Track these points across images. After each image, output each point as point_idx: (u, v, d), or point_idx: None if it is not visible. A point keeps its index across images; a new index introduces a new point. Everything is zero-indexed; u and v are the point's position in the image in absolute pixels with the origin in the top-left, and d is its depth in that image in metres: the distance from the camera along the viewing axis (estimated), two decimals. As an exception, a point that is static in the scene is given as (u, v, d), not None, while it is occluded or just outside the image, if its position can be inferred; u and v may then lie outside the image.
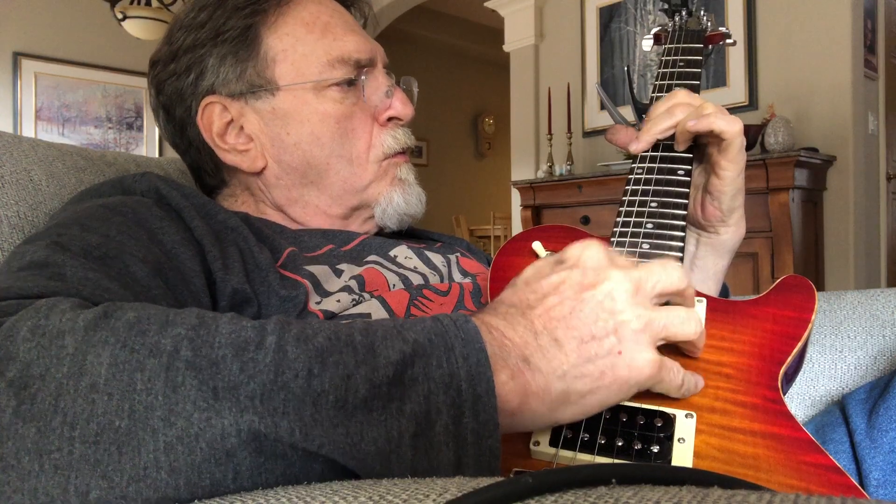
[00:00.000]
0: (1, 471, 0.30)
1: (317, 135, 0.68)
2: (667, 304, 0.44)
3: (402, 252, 0.69)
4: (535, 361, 0.38)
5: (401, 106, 0.72)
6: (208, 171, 0.74)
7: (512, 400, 0.37)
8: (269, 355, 0.33)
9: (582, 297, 0.40)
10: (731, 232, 0.64)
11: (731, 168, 0.59)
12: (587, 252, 0.43)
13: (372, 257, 0.66)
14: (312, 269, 0.60)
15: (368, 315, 0.56)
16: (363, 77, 0.70)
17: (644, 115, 0.67)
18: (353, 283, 0.59)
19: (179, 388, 0.31)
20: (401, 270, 0.65)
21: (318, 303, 0.56)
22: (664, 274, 0.42)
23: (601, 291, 0.40)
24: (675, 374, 0.42)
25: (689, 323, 0.42)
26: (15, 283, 0.41)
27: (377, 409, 0.33)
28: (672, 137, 0.61)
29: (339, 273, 0.61)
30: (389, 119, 0.72)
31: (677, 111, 0.59)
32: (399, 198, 0.72)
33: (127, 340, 0.33)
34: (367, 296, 0.59)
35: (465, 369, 0.35)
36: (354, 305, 0.57)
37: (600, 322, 0.39)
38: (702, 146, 0.62)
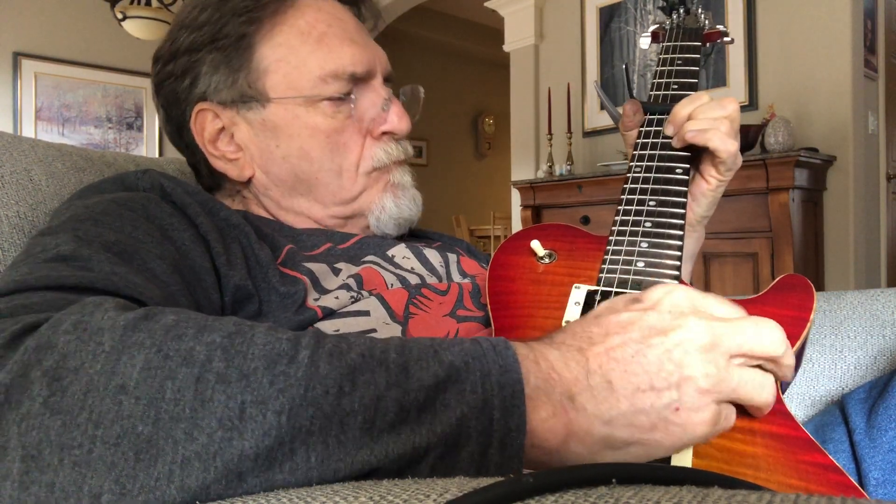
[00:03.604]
0: (20, 460, 0.30)
1: (306, 150, 0.67)
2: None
3: (400, 252, 0.69)
4: (582, 401, 0.36)
5: (396, 120, 0.71)
6: (203, 174, 0.74)
7: (551, 439, 0.35)
8: (301, 370, 0.32)
9: (650, 341, 0.37)
10: (694, 239, 0.70)
11: (720, 178, 0.64)
12: (670, 295, 0.39)
13: (370, 257, 0.66)
14: (311, 266, 0.60)
15: (367, 312, 0.57)
16: (353, 95, 0.68)
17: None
18: (352, 282, 0.60)
19: (207, 402, 0.31)
20: (398, 271, 0.65)
21: (317, 299, 0.57)
22: (754, 333, 0.38)
23: (672, 339, 0.37)
24: (725, 422, 0.39)
25: (764, 390, 0.39)
26: (51, 273, 0.41)
27: (405, 431, 0.32)
28: (670, 136, 0.61)
29: (336, 272, 0.61)
30: (384, 133, 0.71)
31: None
32: (391, 203, 0.71)
33: (162, 345, 0.32)
34: (365, 293, 0.59)
35: (499, 398, 0.34)
36: (353, 303, 0.58)
37: (663, 373, 0.36)
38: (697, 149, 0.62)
